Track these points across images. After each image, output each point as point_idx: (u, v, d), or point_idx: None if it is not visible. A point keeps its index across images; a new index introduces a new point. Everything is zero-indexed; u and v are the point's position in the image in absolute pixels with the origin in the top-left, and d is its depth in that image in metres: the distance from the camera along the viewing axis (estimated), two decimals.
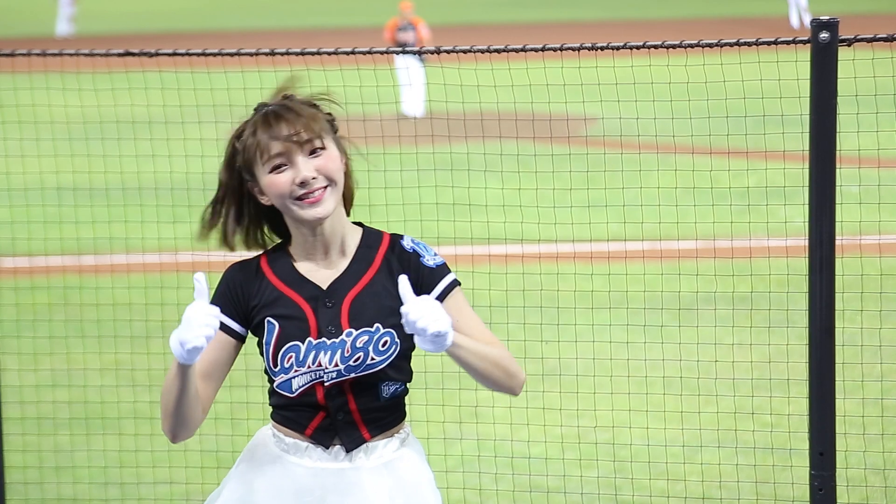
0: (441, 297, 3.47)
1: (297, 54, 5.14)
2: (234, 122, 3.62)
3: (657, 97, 6.21)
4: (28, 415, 7.03)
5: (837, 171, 4.58)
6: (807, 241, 4.60)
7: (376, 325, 3.45)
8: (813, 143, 4.56)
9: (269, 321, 3.47)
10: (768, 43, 4.79)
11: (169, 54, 5.37)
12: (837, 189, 4.59)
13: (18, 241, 8.34)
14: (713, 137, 6.35)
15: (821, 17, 4.57)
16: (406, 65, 19.67)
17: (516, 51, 4.95)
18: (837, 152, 4.57)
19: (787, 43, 4.81)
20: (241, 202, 3.55)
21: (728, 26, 37.28)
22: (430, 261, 3.50)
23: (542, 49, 4.94)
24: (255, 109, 3.55)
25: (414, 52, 5.16)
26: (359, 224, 3.57)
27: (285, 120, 3.45)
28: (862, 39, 4.65)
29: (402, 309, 3.26)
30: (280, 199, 3.44)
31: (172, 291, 8.09)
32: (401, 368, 3.50)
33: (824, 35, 4.52)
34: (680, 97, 6.21)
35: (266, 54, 5.23)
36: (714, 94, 6.12)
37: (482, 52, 4.96)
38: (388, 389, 3.50)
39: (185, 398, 3.37)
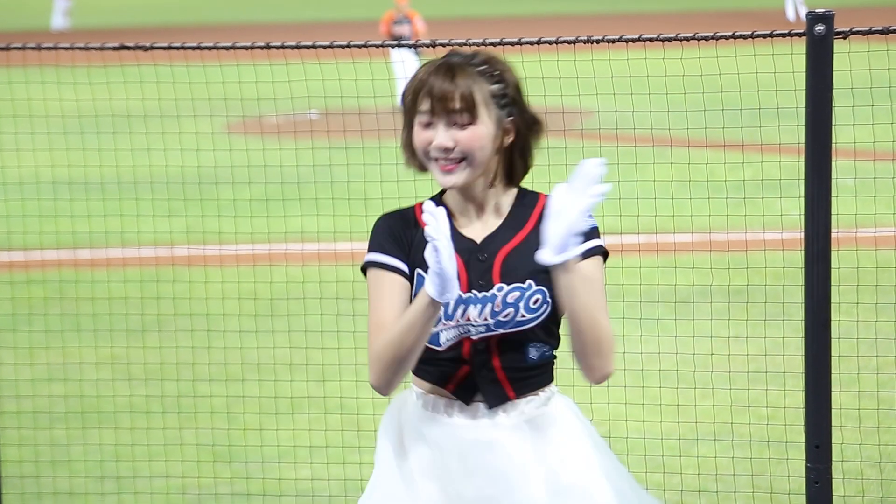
0: (584, 256, 3.39)
1: (292, 48, 5.13)
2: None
3: (653, 90, 6.21)
4: (24, 409, 7.03)
5: (833, 163, 4.58)
6: (803, 234, 4.60)
7: (528, 281, 3.39)
8: (809, 136, 4.56)
9: (419, 273, 3.43)
10: (764, 36, 4.79)
11: (164, 48, 5.37)
12: (833, 182, 4.59)
13: (14, 234, 8.33)
14: (709, 130, 6.34)
15: (816, 10, 4.57)
16: (402, 58, 19.67)
17: (512, 44, 4.94)
18: (833, 145, 4.57)
19: (783, 36, 4.81)
20: (408, 128, 3.48)
21: (724, 19, 37.29)
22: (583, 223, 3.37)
23: (538, 42, 4.93)
24: (447, 54, 3.48)
25: (409, 46, 5.16)
26: (519, 188, 3.52)
27: (449, 79, 3.38)
28: (857, 32, 4.65)
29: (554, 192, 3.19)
30: (420, 153, 3.43)
31: (168, 285, 8.11)
32: (550, 331, 3.45)
33: (820, 28, 4.52)
34: (676, 90, 6.22)
35: (261, 48, 5.22)
36: (710, 87, 6.13)
37: (478, 45, 4.95)
38: (535, 351, 3.45)
39: (424, 340, 3.32)
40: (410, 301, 3.40)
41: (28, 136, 7.53)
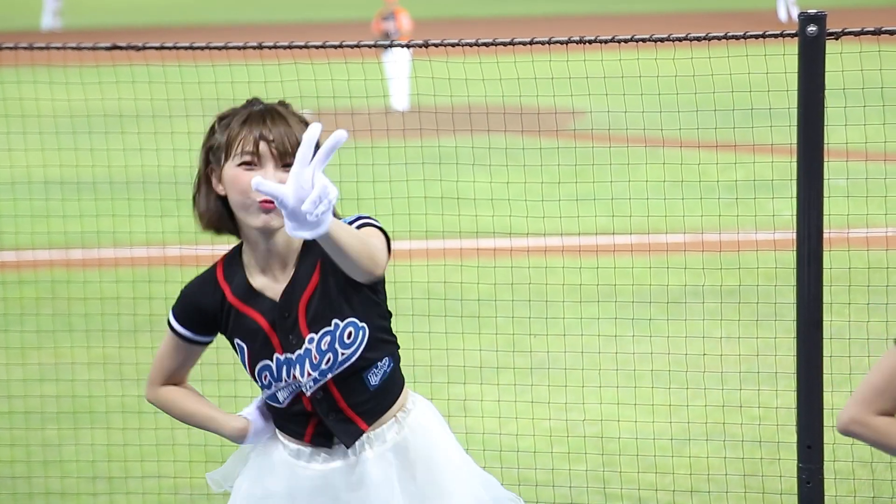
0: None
1: (284, 48, 5.13)
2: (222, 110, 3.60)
3: (645, 90, 6.21)
4: (16, 409, 7.02)
5: (825, 164, 4.58)
6: (795, 235, 4.61)
7: (333, 321, 3.42)
8: (801, 137, 4.57)
9: (237, 343, 3.51)
10: (756, 36, 4.80)
11: (156, 48, 5.36)
12: (825, 182, 4.59)
13: (5, 234, 8.32)
14: (701, 131, 6.35)
15: (808, 11, 4.57)
16: (394, 58, 19.68)
17: (504, 44, 4.94)
18: (825, 146, 4.58)
19: (775, 36, 4.82)
20: (206, 183, 3.51)
21: (716, 20, 37.31)
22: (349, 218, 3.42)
23: (531, 42, 4.93)
24: (249, 102, 3.52)
25: (402, 46, 5.16)
26: None
27: (273, 124, 3.42)
28: (850, 33, 4.65)
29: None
30: (238, 195, 3.40)
31: (160, 285, 8.08)
32: (378, 348, 3.47)
33: (812, 28, 4.52)
34: (668, 90, 6.21)
35: (254, 48, 5.22)
36: (702, 88, 6.13)
37: (470, 45, 4.95)
38: (374, 377, 3.48)
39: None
40: (188, 358, 3.64)
41: (20, 135, 7.52)
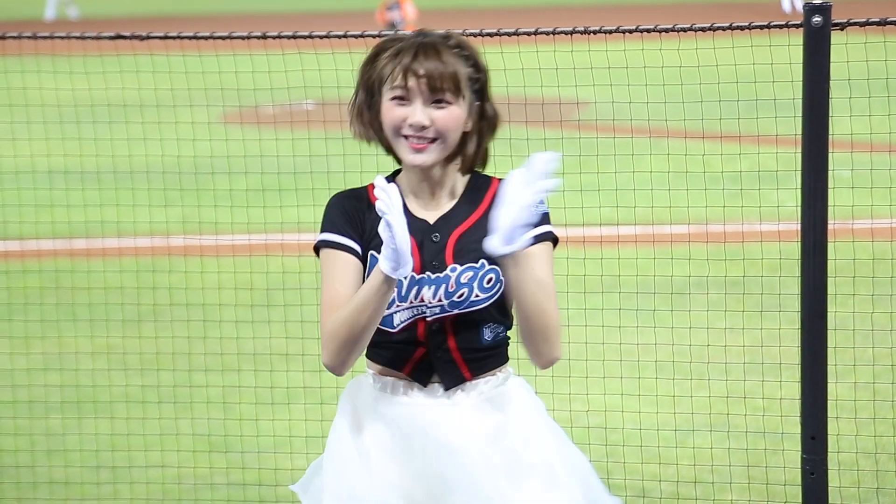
0: (533, 242, 3.40)
1: (289, 37, 5.13)
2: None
3: (650, 81, 6.20)
4: (19, 398, 7.02)
5: (830, 155, 4.58)
6: (799, 226, 4.60)
7: (482, 261, 3.39)
8: (805, 128, 4.56)
9: (372, 255, 3.42)
10: (761, 27, 4.79)
11: (160, 37, 5.36)
12: (830, 173, 4.59)
13: (10, 224, 8.33)
14: (705, 122, 6.34)
15: (813, 2, 4.56)
16: None
17: (508, 34, 4.94)
18: (830, 136, 4.57)
19: (780, 27, 4.81)
20: (368, 101, 3.46)
21: (721, 10, 37.25)
22: (535, 208, 3.37)
23: (535, 33, 4.93)
24: (415, 33, 3.45)
25: (387, 36, 5.14)
26: (472, 172, 3.51)
27: (428, 60, 3.37)
28: (855, 23, 4.65)
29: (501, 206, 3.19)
30: (389, 128, 3.40)
31: (164, 275, 8.10)
32: (504, 310, 3.45)
33: (817, 19, 4.52)
34: (672, 81, 6.21)
35: (258, 38, 5.22)
36: (706, 78, 6.12)
37: (474, 35, 4.95)
38: (489, 332, 3.45)
39: (378, 318, 3.32)
40: (359, 277, 3.40)
41: (24, 125, 7.52)
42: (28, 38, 5.51)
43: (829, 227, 4.59)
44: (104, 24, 37.86)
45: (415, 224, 3.41)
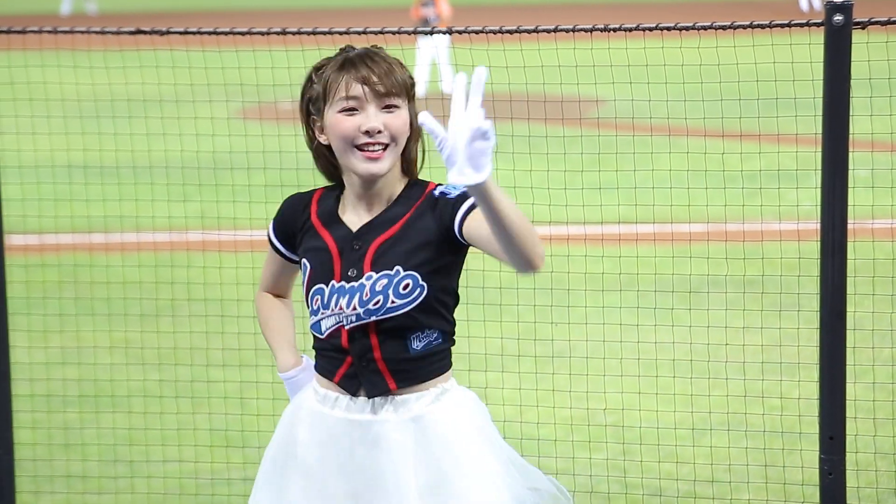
0: (467, 213, 3.38)
1: (308, 33, 5.13)
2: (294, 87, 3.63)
3: (669, 79, 6.19)
4: (37, 392, 7.04)
5: (850, 154, 4.56)
6: (819, 225, 4.59)
7: (396, 267, 3.40)
8: (826, 127, 4.54)
9: (304, 261, 3.52)
10: (782, 25, 4.77)
11: (180, 33, 5.36)
12: (850, 173, 4.57)
13: (29, 218, 8.34)
14: (725, 120, 6.32)
15: (835, 0, 4.55)
16: (433, 44, 19.89)
17: (528, 32, 4.93)
18: (850, 136, 4.56)
19: (801, 25, 4.79)
20: (309, 133, 3.53)
21: (741, 9, 37.17)
22: (452, 193, 3.43)
23: (555, 30, 4.92)
24: (341, 50, 3.50)
25: (423, 33, 5.15)
26: (410, 179, 3.52)
27: (371, 66, 3.41)
28: (876, 22, 4.63)
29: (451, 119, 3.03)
30: (341, 141, 3.41)
31: (182, 270, 8.11)
32: (432, 315, 3.43)
33: (838, 18, 4.50)
34: (692, 79, 6.19)
35: (277, 33, 5.22)
36: (726, 77, 6.10)
37: (494, 32, 4.94)
38: (418, 342, 3.44)
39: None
40: (282, 271, 3.70)
41: (44, 119, 7.54)
42: (48, 32, 5.52)
43: (849, 226, 4.58)
44: (123, 19, 37.94)
45: (339, 231, 3.47)
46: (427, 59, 20.53)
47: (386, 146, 3.41)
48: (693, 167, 6.84)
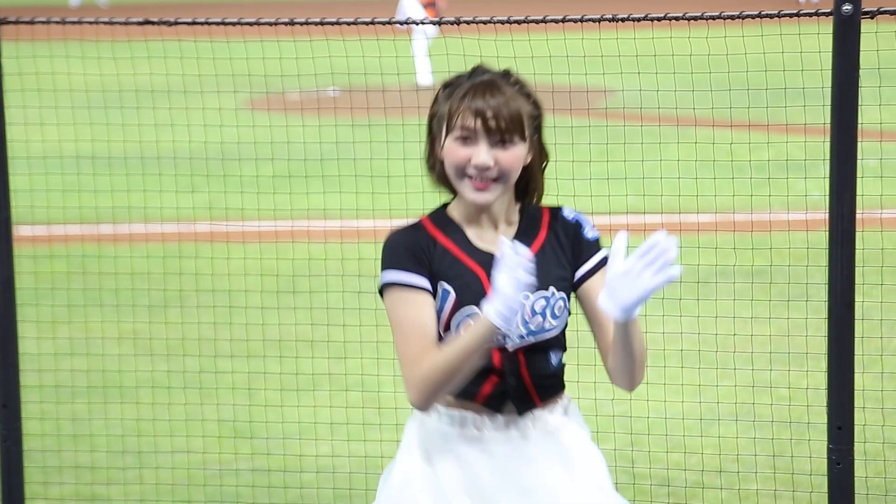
0: (594, 270, 3.48)
1: (316, 24, 5.12)
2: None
3: (677, 69, 6.18)
4: (46, 383, 7.05)
5: (858, 144, 4.55)
6: (827, 215, 4.58)
7: (551, 288, 3.42)
8: (834, 117, 4.53)
9: (444, 288, 3.39)
10: (790, 15, 4.76)
11: (188, 23, 5.36)
12: (858, 163, 4.56)
13: (37, 209, 8.35)
14: (733, 110, 6.31)
15: None
16: (428, 34, 19.87)
17: (536, 22, 4.92)
18: (859, 126, 4.55)
19: (810, 15, 4.78)
20: (431, 146, 3.49)
21: None
22: (589, 233, 3.49)
23: (563, 20, 4.91)
24: (473, 71, 3.46)
25: (433, 23, 5.14)
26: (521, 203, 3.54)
27: (492, 99, 3.37)
28: (885, 12, 4.62)
29: (616, 267, 3.19)
30: (452, 168, 3.39)
31: (190, 261, 8.11)
32: (565, 336, 3.51)
33: (847, 7, 4.49)
34: (700, 69, 6.18)
35: (285, 24, 5.21)
36: (735, 67, 6.09)
37: (502, 23, 4.94)
38: (556, 358, 3.49)
39: (475, 364, 3.33)
40: (433, 311, 3.37)
41: (52, 110, 7.54)
42: (56, 23, 5.52)
43: (857, 216, 4.57)
44: (132, 9, 37.93)
45: (479, 256, 3.42)
46: (424, 49, 20.53)
47: (496, 179, 3.38)
48: (701, 157, 6.83)
